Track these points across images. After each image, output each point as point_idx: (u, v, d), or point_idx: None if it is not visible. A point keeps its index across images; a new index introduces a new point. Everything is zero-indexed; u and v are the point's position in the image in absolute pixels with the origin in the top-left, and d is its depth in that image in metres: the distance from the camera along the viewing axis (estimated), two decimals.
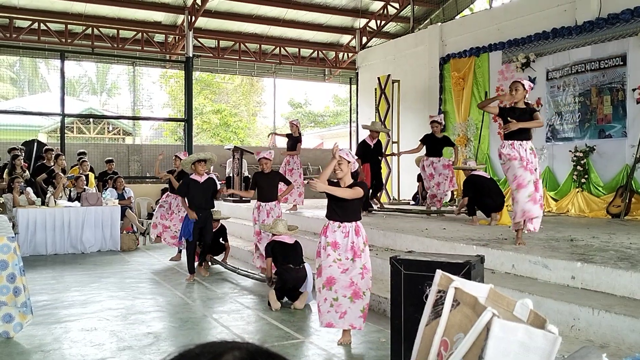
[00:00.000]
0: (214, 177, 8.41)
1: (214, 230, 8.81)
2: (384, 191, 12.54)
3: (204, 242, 7.92)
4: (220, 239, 8.93)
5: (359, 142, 10.35)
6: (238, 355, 0.79)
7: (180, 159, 9.54)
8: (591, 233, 7.09)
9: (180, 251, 9.23)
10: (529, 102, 6.34)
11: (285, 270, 6.12)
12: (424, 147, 9.78)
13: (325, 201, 4.92)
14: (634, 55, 9.61)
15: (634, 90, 9.56)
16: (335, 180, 4.82)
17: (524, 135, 6.09)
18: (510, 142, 6.09)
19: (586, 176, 10.18)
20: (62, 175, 11.01)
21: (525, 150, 6.03)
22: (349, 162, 4.72)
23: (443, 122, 9.97)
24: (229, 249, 8.94)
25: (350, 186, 4.71)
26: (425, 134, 9.96)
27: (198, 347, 0.81)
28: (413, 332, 2.19)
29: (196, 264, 7.94)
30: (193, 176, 7.73)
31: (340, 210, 4.73)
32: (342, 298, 4.62)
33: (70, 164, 12.54)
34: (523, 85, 6.14)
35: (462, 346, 1.51)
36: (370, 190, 10.05)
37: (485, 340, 1.43)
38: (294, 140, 10.80)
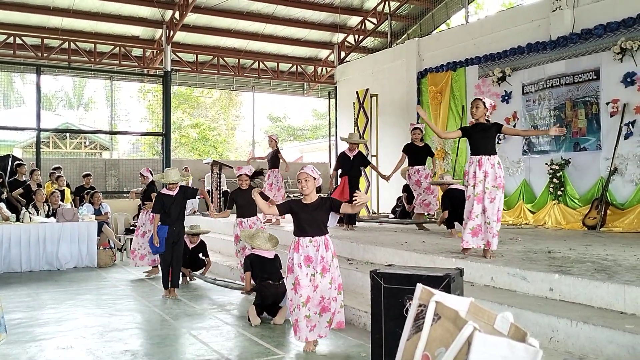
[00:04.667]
0: (185, 185, 8.35)
1: (193, 245, 8.75)
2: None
3: (174, 261, 7.53)
4: (200, 254, 8.86)
5: (338, 154, 10.20)
6: None
7: (144, 176, 9.59)
8: (568, 245, 7.16)
9: (156, 266, 9.05)
10: (489, 119, 6.40)
11: (265, 287, 6.08)
12: (407, 157, 9.66)
13: None
14: (607, 69, 9.79)
15: (607, 103, 9.74)
16: (301, 197, 5.06)
17: (490, 150, 6.17)
18: (477, 157, 6.19)
19: (562, 189, 10.31)
20: (43, 191, 10.86)
21: (493, 165, 6.11)
22: (314, 178, 4.98)
23: (424, 130, 9.90)
24: (209, 264, 8.86)
25: (320, 202, 4.98)
26: (405, 144, 9.85)
27: None
28: (394, 346, 2.18)
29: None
30: (165, 191, 7.58)
31: (308, 226, 4.93)
32: (313, 315, 4.85)
33: (46, 179, 12.37)
34: (484, 103, 6.23)
35: None
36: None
37: (466, 355, 1.43)
38: (274, 154, 10.82)
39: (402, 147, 9.80)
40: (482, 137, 6.20)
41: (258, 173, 7.80)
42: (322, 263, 4.83)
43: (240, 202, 7.58)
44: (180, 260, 7.70)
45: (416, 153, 9.50)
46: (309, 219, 4.91)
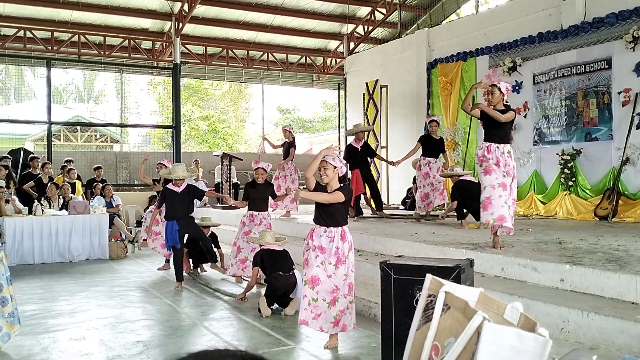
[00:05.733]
0: (198, 185, 8.33)
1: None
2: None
3: (204, 244, 8.00)
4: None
5: (346, 146, 10.21)
6: None
7: (165, 166, 9.44)
8: (579, 235, 7.13)
9: (167, 261, 9.00)
10: (509, 103, 6.30)
11: (275, 278, 6.09)
12: (420, 148, 9.65)
13: None
14: (619, 58, 9.70)
15: (619, 93, 9.65)
16: (323, 185, 4.86)
17: (501, 138, 6.08)
18: (487, 144, 6.11)
19: (573, 179, 10.25)
20: (55, 186, 10.88)
21: (503, 153, 6.03)
22: (334, 167, 4.76)
23: (440, 123, 9.89)
24: (222, 257, 8.84)
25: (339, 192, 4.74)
26: (421, 135, 9.86)
27: (192, 356, 0.80)
28: (404, 337, 2.18)
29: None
30: (170, 186, 7.64)
31: (326, 215, 4.79)
32: (321, 301, 4.68)
33: (57, 172, 12.45)
34: (499, 88, 6.09)
35: (453, 350, 1.51)
36: (365, 196, 9.99)
37: (476, 345, 1.43)
38: (287, 146, 10.80)
39: (417, 137, 9.82)
40: (492, 125, 6.11)
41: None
42: (337, 255, 4.70)
43: (253, 195, 7.59)
44: (204, 236, 8.08)
45: (431, 145, 9.49)
46: (326, 208, 4.77)
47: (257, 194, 7.60)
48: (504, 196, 5.88)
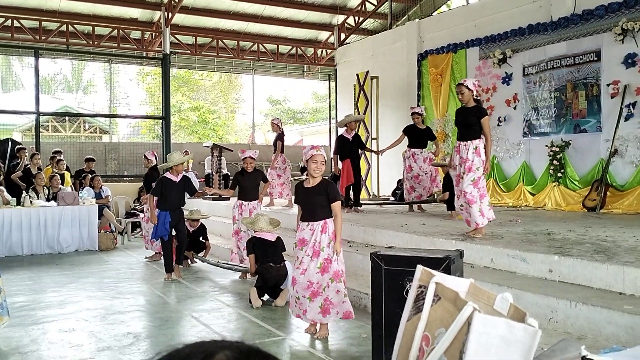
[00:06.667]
0: (189, 175, 8.29)
1: (193, 229, 8.77)
2: (363, 187, 12.54)
3: (180, 240, 7.75)
4: (200, 238, 8.88)
5: (337, 137, 10.18)
6: (230, 354, 0.77)
7: (148, 159, 9.46)
8: (568, 226, 7.18)
9: (158, 252, 8.99)
10: (479, 98, 6.42)
11: (266, 269, 6.10)
12: (406, 138, 9.64)
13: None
14: (608, 50, 9.74)
15: (608, 85, 9.70)
16: (305, 179, 5.06)
17: (467, 135, 6.27)
18: (457, 144, 6.38)
19: (562, 170, 10.31)
20: (43, 176, 10.81)
21: (467, 150, 6.20)
22: (324, 163, 4.97)
23: (424, 113, 9.87)
24: (209, 248, 8.90)
25: (320, 186, 4.86)
26: (406, 125, 9.83)
27: (188, 347, 0.80)
28: (394, 327, 2.19)
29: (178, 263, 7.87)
30: (168, 175, 7.61)
31: (307, 212, 4.96)
32: (302, 298, 4.85)
33: (46, 163, 12.36)
34: (467, 86, 6.24)
35: (444, 341, 1.52)
36: (352, 186, 9.99)
37: (466, 335, 1.44)
38: (275, 139, 10.80)
39: (403, 128, 9.79)
40: (461, 124, 6.37)
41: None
42: (314, 247, 4.80)
43: (243, 184, 7.61)
44: (185, 239, 7.87)
45: (416, 136, 9.46)
46: (306, 202, 4.92)
47: (247, 182, 7.62)
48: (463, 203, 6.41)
